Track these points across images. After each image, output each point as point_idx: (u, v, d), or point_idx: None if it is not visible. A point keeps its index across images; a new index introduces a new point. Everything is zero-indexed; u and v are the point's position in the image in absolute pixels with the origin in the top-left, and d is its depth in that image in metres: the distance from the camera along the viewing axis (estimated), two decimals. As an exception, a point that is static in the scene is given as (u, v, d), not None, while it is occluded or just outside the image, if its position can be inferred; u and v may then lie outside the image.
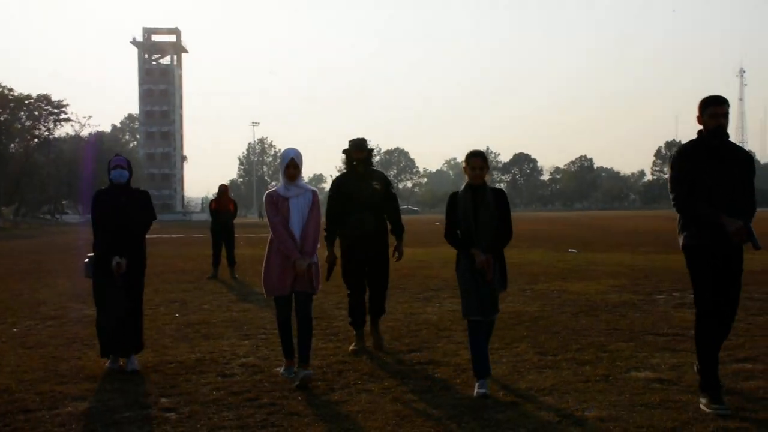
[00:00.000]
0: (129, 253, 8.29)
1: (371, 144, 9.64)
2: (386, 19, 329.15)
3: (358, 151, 9.21)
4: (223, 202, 19.78)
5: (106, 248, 8.29)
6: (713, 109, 6.55)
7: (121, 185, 8.43)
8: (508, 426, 6.09)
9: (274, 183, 8.66)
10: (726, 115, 6.60)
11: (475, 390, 6.85)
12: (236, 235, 20.36)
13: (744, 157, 6.68)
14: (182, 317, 12.22)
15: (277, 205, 7.57)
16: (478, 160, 7.06)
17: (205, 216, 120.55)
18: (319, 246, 7.72)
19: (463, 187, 7.21)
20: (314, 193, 7.81)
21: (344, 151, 9.35)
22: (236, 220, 20.66)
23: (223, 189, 20.35)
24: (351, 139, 9.33)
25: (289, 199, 7.58)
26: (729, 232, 6.21)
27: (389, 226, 9.48)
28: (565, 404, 6.64)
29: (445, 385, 7.53)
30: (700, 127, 6.64)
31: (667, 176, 6.82)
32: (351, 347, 9.06)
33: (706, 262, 6.53)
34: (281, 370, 7.73)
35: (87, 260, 8.50)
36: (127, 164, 8.56)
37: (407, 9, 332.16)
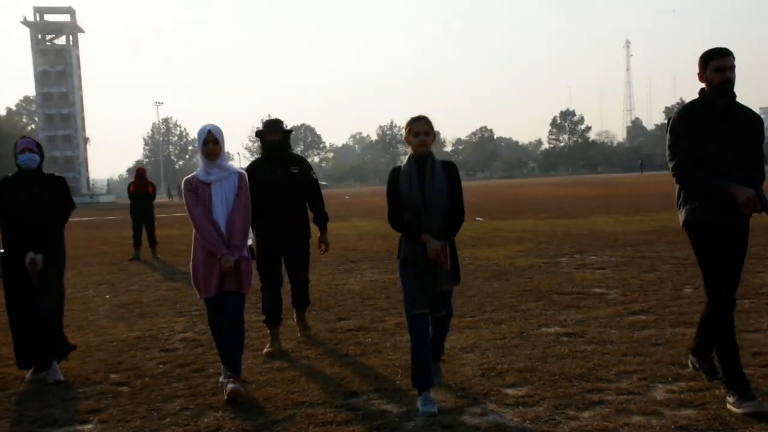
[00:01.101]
0: (45, 248, 7.11)
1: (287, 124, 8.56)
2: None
3: (272, 133, 8.22)
4: (142, 184, 19.78)
5: (17, 244, 7.09)
6: (718, 62, 5.60)
7: (31, 171, 7.22)
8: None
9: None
10: (733, 68, 5.63)
11: (421, 408, 5.66)
12: (156, 215, 20.35)
13: (753, 119, 5.72)
14: (113, 298, 12.38)
15: (197, 192, 6.42)
16: (422, 123, 5.86)
17: (112, 197, 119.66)
18: (251, 240, 6.88)
19: (405, 159, 6.01)
20: (240, 175, 6.62)
21: (257, 134, 8.44)
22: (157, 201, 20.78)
23: (141, 172, 20.37)
24: (264, 120, 8.46)
25: (211, 185, 6.42)
26: (739, 203, 5.27)
27: (311, 215, 8.56)
28: (486, 359, 7.07)
29: (375, 348, 7.89)
30: (702, 85, 5.71)
31: (666, 143, 5.81)
32: (265, 349, 7.94)
33: (714, 240, 5.62)
34: (221, 377, 6.59)
35: None
36: (37, 147, 7.37)
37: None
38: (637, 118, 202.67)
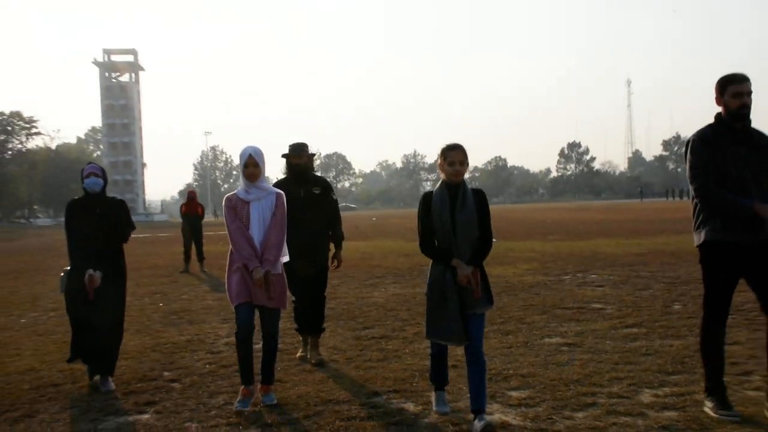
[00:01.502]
0: (106, 266, 6.97)
1: (313, 149, 8.27)
2: (321, 41, 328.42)
3: (296, 156, 7.99)
4: (192, 206, 20.04)
5: (81, 261, 6.96)
6: (736, 88, 5.30)
7: (96, 194, 7.13)
8: (450, 386, 6.33)
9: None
10: (750, 93, 5.34)
11: (434, 407, 5.68)
12: (204, 233, 20.54)
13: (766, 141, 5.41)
14: (166, 306, 12.50)
15: (235, 209, 6.22)
16: (458, 153, 5.37)
17: (165, 217, 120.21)
18: (286, 257, 6.48)
19: (438, 185, 5.50)
20: (278, 195, 6.36)
21: (284, 156, 8.12)
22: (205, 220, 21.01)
23: (192, 195, 20.63)
24: (291, 143, 8.12)
25: (250, 203, 6.20)
26: (765, 219, 5.04)
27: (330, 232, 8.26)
28: (493, 365, 7.09)
29: (396, 354, 7.97)
30: (719, 109, 5.43)
31: (686, 165, 5.49)
32: (298, 354, 8.02)
33: (728, 262, 5.33)
34: (236, 403, 6.03)
35: (62, 274, 7.14)
36: (102, 172, 7.27)
37: (340, 32, 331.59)
38: (637, 150, 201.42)
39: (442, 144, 5.41)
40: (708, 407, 5.40)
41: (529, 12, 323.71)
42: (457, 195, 5.34)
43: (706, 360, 5.54)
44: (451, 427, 5.45)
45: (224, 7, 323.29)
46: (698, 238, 5.48)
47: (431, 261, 5.44)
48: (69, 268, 7.06)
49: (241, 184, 6.35)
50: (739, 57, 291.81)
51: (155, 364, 7.98)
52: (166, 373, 7.53)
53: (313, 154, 8.42)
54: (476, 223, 5.34)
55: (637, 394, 6.09)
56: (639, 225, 34.20)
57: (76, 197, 7.33)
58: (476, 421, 5.19)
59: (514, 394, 6.18)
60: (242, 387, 6.13)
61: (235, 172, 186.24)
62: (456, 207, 5.30)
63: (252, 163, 6.21)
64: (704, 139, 5.36)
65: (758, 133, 5.39)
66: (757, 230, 5.14)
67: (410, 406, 6.05)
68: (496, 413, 5.70)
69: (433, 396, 5.88)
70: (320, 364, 7.65)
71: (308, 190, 7.95)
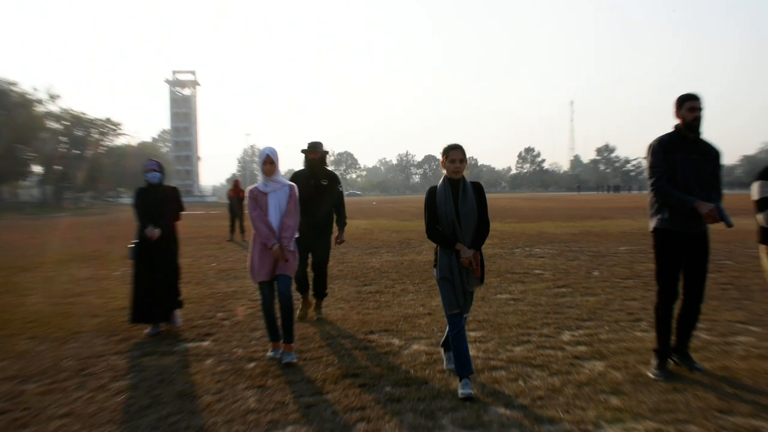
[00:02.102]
0: (163, 237, 6.99)
1: (327, 147, 7.94)
2: (338, 63, 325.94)
3: (312, 152, 7.76)
4: (237, 190, 20.12)
5: (143, 235, 6.97)
6: (691, 103, 5.10)
7: (155, 184, 7.14)
8: (425, 328, 6.78)
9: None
10: (702, 109, 5.14)
11: (460, 390, 4.71)
12: (245, 212, 20.69)
13: (714, 153, 5.18)
14: (217, 266, 12.65)
15: (257, 200, 5.98)
16: (458, 152, 4.94)
17: (215, 198, 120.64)
18: (296, 234, 6.10)
19: (441, 181, 5.04)
20: (291, 187, 6.10)
21: (303, 151, 7.85)
22: (245, 203, 21.12)
23: (236, 182, 20.70)
24: (309, 141, 7.86)
25: (268, 194, 5.97)
26: (702, 214, 4.85)
27: (335, 216, 7.96)
28: None
29: (387, 304, 8.15)
30: (678, 121, 5.16)
31: (647, 164, 5.28)
32: (297, 314, 7.49)
33: (675, 246, 5.12)
34: (269, 352, 5.88)
35: (131, 245, 7.07)
36: (159, 167, 7.24)
37: (363, 55, 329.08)
38: (577, 155, 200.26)
39: (444, 144, 4.99)
40: (652, 364, 5.14)
41: (498, 46, 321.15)
42: (458, 189, 4.91)
43: (659, 327, 5.19)
44: (424, 356, 5.66)
45: (261, 36, 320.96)
46: (651, 224, 5.28)
47: (437, 246, 4.95)
48: (135, 242, 7.03)
49: (260, 178, 6.07)
50: (655, 85, 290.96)
51: (211, 307, 8.21)
52: (218, 314, 7.76)
53: (326, 152, 8.09)
54: (476, 213, 4.89)
55: (560, 334, 6.35)
56: (575, 212, 34.20)
57: (141, 186, 7.22)
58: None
59: (472, 333, 6.39)
60: (271, 342, 5.90)
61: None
62: (458, 200, 4.88)
63: (269, 161, 5.96)
64: (662, 144, 5.14)
65: (706, 144, 5.16)
66: (695, 222, 4.98)
67: (396, 341, 6.26)
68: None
69: (443, 355, 5.46)
70: (321, 321, 7.38)
71: (318, 181, 7.74)
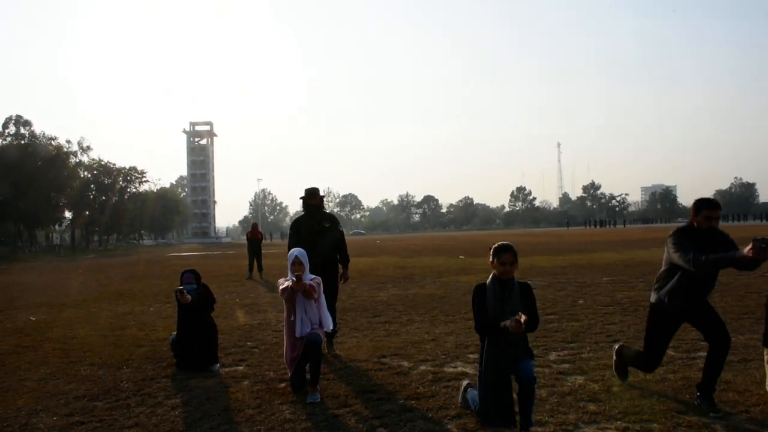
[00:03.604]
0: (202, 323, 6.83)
1: (326, 190, 7.71)
2: (339, 105, 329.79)
3: (310, 198, 7.66)
4: (255, 232, 20.64)
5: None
6: (708, 212, 4.81)
7: (191, 290, 6.78)
8: (430, 352, 7.22)
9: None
10: (718, 218, 4.84)
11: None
12: (263, 251, 20.98)
13: (725, 236, 4.86)
14: (240, 301, 13.07)
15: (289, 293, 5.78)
16: (509, 256, 4.57)
17: (229, 239, 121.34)
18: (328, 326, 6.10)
19: (490, 279, 4.66)
20: (318, 281, 5.93)
21: (301, 198, 7.74)
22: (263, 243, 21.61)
23: (255, 225, 21.31)
24: (306, 188, 7.73)
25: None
26: (752, 255, 4.29)
27: (338, 256, 7.80)
28: (459, 340, 7.81)
29: (395, 332, 8.60)
30: (692, 221, 4.93)
31: (668, 253, 4.97)
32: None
33: (666, 322, 5.07)
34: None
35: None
36: (194, 278, 6.97)
37: (366, 97, 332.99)
38: (565, 192, 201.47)
39: (495, 244, 4.72)
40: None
41: (492, 87, 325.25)
42: (506, 290, 4.55)
43: (638, 365, 5.30)
44: (431, 375, 6.09)
45: (270, 83, 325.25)
46: (652, 298, 5.18)
47: (484, 348, 4.56)
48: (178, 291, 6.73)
49: (289, 275, 5.88)
50: (638, 126, 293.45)
51: (240, 337, 8.62)
52: (248, 343, 8.18)
53: (323, 196, 7.96)
54: (521, 309, 4.40)
55: (547, 354, 6.81)
56: (564, 246, 34.63)
57: (180, 287, 6.77)
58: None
59: (471, 356, 6.79)
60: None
61: (278, 208, 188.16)
62: (505, 300, 4.52)
63: (297, 262, 5.80)
64: (682, 232, 4.92)
65: (720, 234, 4.88)
66: (691, 297, 4.91)
67: (405, 363, 6.69)
68: (459, 367, 6.50)
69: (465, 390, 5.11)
70: (335, 357, 7.18)
71: (320, 223, 7.67)
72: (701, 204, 4.89)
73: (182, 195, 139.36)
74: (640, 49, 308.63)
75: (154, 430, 4.76)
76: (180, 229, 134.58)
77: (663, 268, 5.11)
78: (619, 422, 4.57)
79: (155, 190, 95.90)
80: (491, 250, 4.67)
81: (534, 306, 4.57)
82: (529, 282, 4.80)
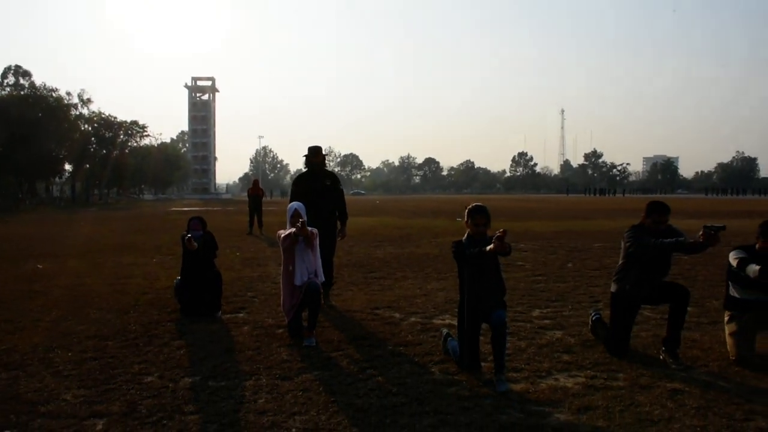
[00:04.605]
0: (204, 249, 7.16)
1: (327, 149, 7.85)
2: (340, 65, 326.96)
3: (313, 156, 7.89)
4: (255, 189, 20.98)
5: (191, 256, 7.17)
6: (656, 217, 5.25)
7: (197, 236, 7.17)
8: (421, 305, 7.63)
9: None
10: (666, 221, 5.26)
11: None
12: (263, 208, 21.30)
13: (676, 231, 5.23)
14: (242, 255, 13.48)
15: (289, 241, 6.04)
16: (482, 217, 4.93)
17: (229, 195, 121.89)
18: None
19: (465, 237, 4.98)
20: (314, 232, 6.14)
21: (304, 156, 7.98)
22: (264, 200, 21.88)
23: (256, 181, 21.61)
24: (309, 146, 7.94)
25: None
26: (703, 241, 4.76)
27: (337, 213, 8.06)
28: (449, 295, 8.20)
29: (389, 287, 9.01)
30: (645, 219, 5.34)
31: (624, 247, 5.40)
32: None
33: (628, 309, 5.42)
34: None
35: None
36: (201, 224, 7.39)
37: (366, 61, 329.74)
38: (567, 159, 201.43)
39: (470, 206, 5.06)
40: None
41: (497, 57, 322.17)
42: (480, 245, 4.81)
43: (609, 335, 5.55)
44: (419, 326, 6.51)
45: (274, 37, 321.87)
46: (612, 288, 5.57)
47: (464, 300, 4.98)
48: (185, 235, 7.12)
49: (288, 227, 6.23)
50: (639, 97, 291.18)
51: (241, 287, 9.03)
52: (249, 293, 8.58)
53: (326, 155, 8.16)
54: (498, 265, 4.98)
55: (530, 311, 7.23)
56: (561, 213, 34.89)
57: (186, 233, 7.15)
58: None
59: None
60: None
61: (279, 165, 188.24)
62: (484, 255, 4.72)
63: (297, 215, 6.16)
64: (636, 229, 5.33)
65: (669, 228, 5.28)
66: (644, 284, 5.31)
67: (397, 315, 7.11)
68: (447, 319, 6.89)
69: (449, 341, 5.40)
70: (330, 307, 7.51)
71: (321, 181, 7.88)
72: (652, 208, 5.30)
73: (183, 150, 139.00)
74: (649, 20, 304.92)
75: (162, 366, 5.18)
76: (180, 184, 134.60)
77: (621, 261, 5.53)
78: (588, 371, 4.99)
79: (156, 145, 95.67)
80: (466, 211, 5.02)
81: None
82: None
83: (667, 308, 5.41)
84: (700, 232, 4.80)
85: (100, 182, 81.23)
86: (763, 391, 4.53)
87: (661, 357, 5.30)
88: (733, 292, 5.40)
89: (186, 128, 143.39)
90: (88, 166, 75.50)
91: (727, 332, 5.43)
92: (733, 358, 5.23)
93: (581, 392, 4.50)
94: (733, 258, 5.27)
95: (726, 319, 5.48)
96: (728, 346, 5.39)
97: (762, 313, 5.24)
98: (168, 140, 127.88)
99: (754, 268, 5.00)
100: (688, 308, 5.50)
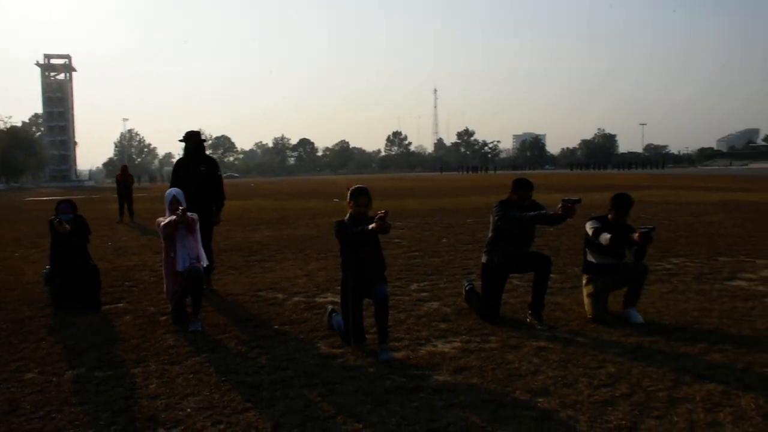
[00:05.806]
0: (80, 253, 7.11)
1: (205, 134, 7.84)
2: (207, 43, 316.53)
3: (189, 141, 7.90)
4: (125, 175, 20.16)
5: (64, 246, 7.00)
6: (521, 194, 5.77)
7: (68, 219, 6.95)
8: (303, 286, 7.84)
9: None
10: (531, 197, 5.79)
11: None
12: (133, 195, 20.44)
13: (536, 204, 5.78)
14: (113, 244, 13.04)
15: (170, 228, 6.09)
16: (364, 199, 5.21)
17: (93, 183, 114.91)
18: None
19: (348, 217, 5.23)
20: (194, 219, 6.23)
21: (181, 140, 7.94)
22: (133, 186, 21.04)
23: (125, 167, 20.69)
24: (187, 131, 7.93)
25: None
26: (562, 212, 5.37)
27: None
28: (331, 274, 8.43)
29: (270, 269, 9.09)
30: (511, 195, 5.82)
31: (493, 221, 5.88)
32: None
33: (497, 278, 5.90)
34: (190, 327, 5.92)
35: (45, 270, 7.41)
36: (71, 207, 7.25)
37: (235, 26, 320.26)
38: (440, 138, 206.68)
39: (352, 186, 5.30)
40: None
41: (374, 38, 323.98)
42: (361, 223, 5.04)
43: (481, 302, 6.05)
44: (303, 305, 6.74)
45: (138, 15, 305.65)
46: (483, 258, 6.01)
47: (346, 278, 5.21)
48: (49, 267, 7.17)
49: (167, 214, 6.25)
50: (512, 76, 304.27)
51: (117, 278, 8.80)
52: (126, 283, 8.42)
53: (205, 139, 8.20)
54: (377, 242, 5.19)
55: (409, 285, 7.68)
56: (435, 191, 36.22)
57: (54, 218, 6.86)
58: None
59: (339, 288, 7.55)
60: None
61: (146, 150, 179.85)
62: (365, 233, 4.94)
63: (175, 201, 6.26)
64: (504, 203, 5.81)
65: (533, 203, 5.79)
66: (513, 252, 5.79)
67: (279, 296, 7.31)
68: (329, 297, 7.18)
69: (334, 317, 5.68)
70: (212, 292, 7.55)
71: (198, 166, 7.86)
72: (517, 185, 5.82)
73: (37, 135, 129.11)
74: (521, 2, 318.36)
75: (42, 361, 5.07)
76: (36, 172, 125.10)
77: (490, 234, 6.02)
78: (464, 336, 5.47)
79: (5, 129, 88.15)
80: (348, 192, 5.28)
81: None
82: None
83: (532, 276, 5.97)
84: (559, 205, 5.39)
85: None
86: (614, 343, 5.20)
87: (528, 320, 5.86)
88: (589, 257, 6.09)
89: (40, 111, 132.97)
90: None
91: (584, 294, 6.12)
92: (590, 316, 5.92)
93: (457, 355, 4.95)
94: (589, 227, 5.91)
95: (584, 282, 6.16)
96: (585, 306, 6.07)
97: (613, 276, 5.95)
98: (19, 123, 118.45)
99: (606, 237, 5.69)
100: (552, 275, 6.16)
